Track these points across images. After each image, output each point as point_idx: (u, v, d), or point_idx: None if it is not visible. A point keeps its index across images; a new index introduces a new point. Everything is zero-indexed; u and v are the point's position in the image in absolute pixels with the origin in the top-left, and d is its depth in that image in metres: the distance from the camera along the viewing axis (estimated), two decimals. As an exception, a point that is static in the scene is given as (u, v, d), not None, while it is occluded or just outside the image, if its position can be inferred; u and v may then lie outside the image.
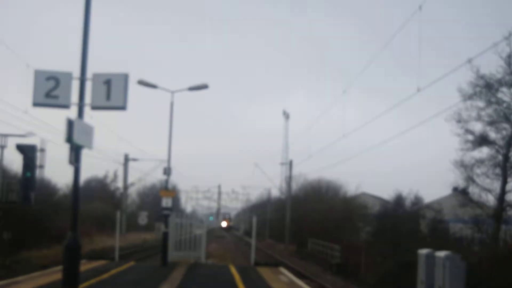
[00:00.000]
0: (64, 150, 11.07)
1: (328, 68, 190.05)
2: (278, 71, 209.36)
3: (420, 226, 40.60)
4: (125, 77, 10.44)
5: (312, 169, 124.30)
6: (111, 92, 10.22)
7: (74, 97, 10.43)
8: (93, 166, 76.79)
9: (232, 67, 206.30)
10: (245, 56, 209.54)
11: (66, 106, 10.36)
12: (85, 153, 10.44)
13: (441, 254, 20.74)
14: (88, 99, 10.42)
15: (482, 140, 32.74)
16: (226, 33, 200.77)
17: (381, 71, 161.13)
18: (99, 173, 75.19)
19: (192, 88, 26.83)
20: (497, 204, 32.03)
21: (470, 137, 33.15)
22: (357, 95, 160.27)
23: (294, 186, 70.56)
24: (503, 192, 31.71)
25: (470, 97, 32.18)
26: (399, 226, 38.65)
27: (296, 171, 69.35)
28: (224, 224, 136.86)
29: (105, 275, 19.66)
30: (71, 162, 10.03)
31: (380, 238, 38.62)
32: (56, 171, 68.13)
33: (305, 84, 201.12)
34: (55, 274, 18.17)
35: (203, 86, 26.87)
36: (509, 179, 31.78)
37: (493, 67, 31.01)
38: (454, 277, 20.05)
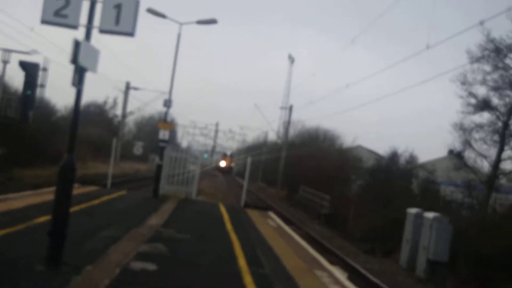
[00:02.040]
0: (66, 71, 10.97)
1: (340, 16, 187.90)
2: (289, 15, 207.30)
3: (412, 185, 40.77)
4: (136, 3, 10.27)
5: (312, 116, 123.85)
6: (121, 17, 10.05)
7: (83, 19, 10.28)
8: (93, 91, 76.52)
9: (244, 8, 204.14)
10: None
11: (74, 26, 10.19)
12: (87, 77, 10.33)
13: (430, 215, 20.88)
14: (96, 22, 10.27)
15: (484, 105, 32.58)
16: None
17: (393, 24, 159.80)
18: (99, 98, 75.04)
19: (200, 22, 26.40)
20: (491, 171, 32.08)
21: (473, 101, 32.98)
22: (368, 44, 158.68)
23: (292, 131, 70.69)
24: (498, 159, 31.71)
25: (477, 60, 31.94)
26: (391, 182, 38.81)
27: (295, 117, 69.52)
28: (223, 163, 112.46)
29: (96, 201, 19.77)
30: (74, 84, 9.91)
31: (372, 193, 38.79)
32: (56, 92, 67.83)
33: (315, 29, 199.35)
34: (47, 194, 18.26)
35: (212, 21, 26.43)
36: (506, 147, 31.76)
37: (504, 32, 30.77)
38: (440, 239, 20.21)
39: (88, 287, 8.52)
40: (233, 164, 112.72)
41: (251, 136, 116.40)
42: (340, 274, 13.17)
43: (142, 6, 10.57)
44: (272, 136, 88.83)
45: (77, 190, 21.28)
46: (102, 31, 10.29)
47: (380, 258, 24.69)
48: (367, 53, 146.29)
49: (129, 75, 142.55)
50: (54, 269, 8.98)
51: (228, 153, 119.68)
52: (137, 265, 10.27)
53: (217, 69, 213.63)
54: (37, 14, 10.15)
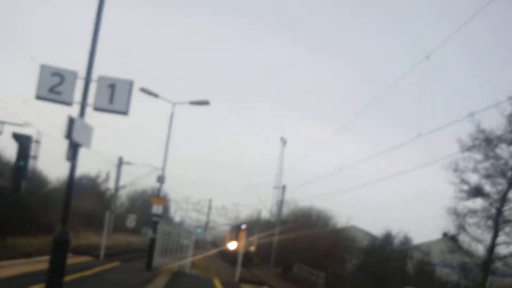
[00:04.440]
0: (59, 144, 11.19)
1: (332, 103, 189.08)
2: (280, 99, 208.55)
3: (407, 266, 40.67)
4: (130, 84, 10.55)
5: (305, 196, 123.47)
6: (115, 96, 10.31)
7: (77, 96, 10.56)
8: (86, 164, 76.55)
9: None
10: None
11: (68, 103, 10.45)
12: (81, 151, 10.53)
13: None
14: (91, 99, 10.54)
15: (477, 192, 32.94)
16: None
17: (382, 112, 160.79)
18: (91, 171, 74.98)
19: (193, 103, 26.90)
20: (487, 254, 32.13)
21: (465, 187, 33.41)
22: (355, 134, 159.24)
23: (285, 210, 70.31)
24: (493, 244, 31.83)
25: (468, 149, 32.49)
26: (386, 262, 38.72)
27: (288, 196, 69.26)
28: (232, 245, 62.20)
29: (89, 272, 19.65)
30: (68, 158, 10.14)
31: (366, 272, 38.68)
32: (49, 164, 68.26)
33: (306, 113, 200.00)
34: (40, 263, 18.19)
35: (204, 102, 26.97)
36: (500, 233, 31.92)
37: (493, 122, 31.44)
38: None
39: None
40: (253, 248, 62.50)
41: (244, 213, 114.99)
42: None
43: (136, 85, 10.88)
44: (265, 214, 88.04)
45: (70, 260, 21.20)
46: (97, 109, 10.57)
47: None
48: (359, 138, 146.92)
49: (122, 150, 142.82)
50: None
51: (243, 226, 67.89)
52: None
53: (210, 145, 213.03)
54: (32, 89, 10.47)
